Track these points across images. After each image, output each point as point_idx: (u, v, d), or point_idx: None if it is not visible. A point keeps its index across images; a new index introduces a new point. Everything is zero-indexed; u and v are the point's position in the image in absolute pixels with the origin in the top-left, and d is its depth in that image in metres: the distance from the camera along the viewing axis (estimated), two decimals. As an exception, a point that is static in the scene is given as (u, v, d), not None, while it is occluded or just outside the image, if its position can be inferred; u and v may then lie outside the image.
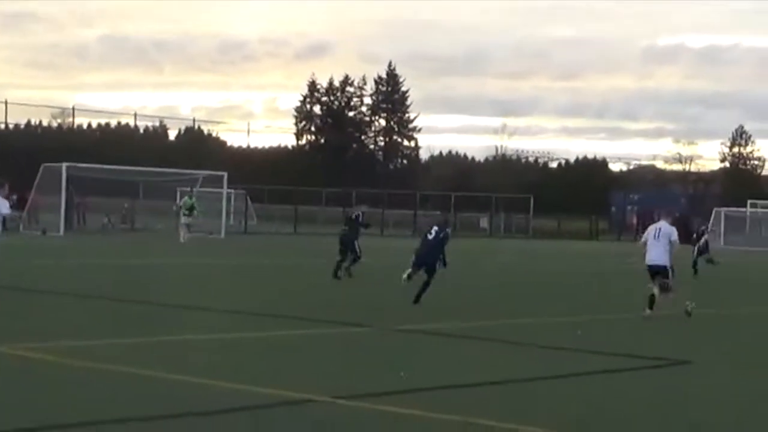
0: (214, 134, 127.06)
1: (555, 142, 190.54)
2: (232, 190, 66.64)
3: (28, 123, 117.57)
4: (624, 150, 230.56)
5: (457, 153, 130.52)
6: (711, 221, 38.32)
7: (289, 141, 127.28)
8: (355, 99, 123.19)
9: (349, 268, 29.43)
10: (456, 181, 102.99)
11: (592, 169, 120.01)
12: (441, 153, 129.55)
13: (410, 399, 11.77)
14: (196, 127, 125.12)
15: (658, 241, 21.18)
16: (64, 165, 52.04)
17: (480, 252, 49.62)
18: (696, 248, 37.95)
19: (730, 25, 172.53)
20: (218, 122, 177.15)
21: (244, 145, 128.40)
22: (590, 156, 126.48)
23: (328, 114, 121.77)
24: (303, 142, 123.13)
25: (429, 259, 22.45)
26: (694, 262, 36.94)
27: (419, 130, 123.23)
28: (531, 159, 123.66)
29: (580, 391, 13.10)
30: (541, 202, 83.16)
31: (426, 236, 22.99)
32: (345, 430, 10.28)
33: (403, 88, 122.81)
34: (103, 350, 14.64)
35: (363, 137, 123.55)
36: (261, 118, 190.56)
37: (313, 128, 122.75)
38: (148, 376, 12.59)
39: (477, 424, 10.55)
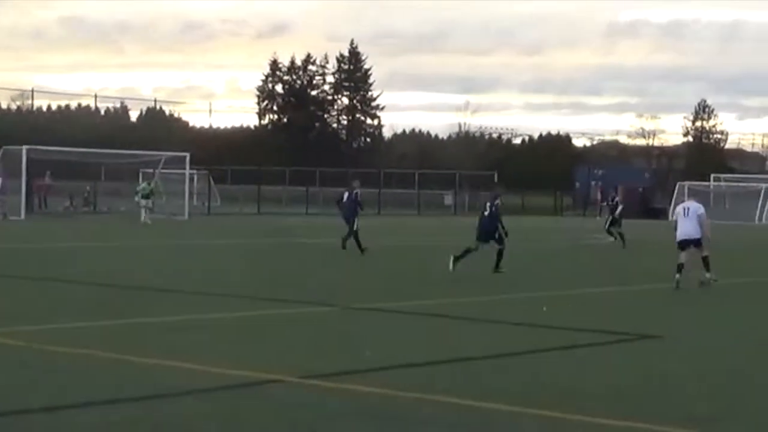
0: (175, 115, 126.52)
1: (519, 118, 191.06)
2: (195, 171, 66.34)
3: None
4: (588, 125, 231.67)
5: (420, 131, 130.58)
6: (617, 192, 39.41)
7: (251, 121, 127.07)
8: (317, 78, 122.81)
9: (345, 241, 30.85)
10: (420, 158, 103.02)
11: (556, 145, 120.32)
12: (404, 131, 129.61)
13: (375, 377, 11.67)
14: (158, 107, 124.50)
15: (689, 218, 23.17)
16: (25, 148, 51.54)
17: (443, 229, 49.57)
18: (610, 218, 39.34)
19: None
20: (180, 102, 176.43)
21: (207, 126, 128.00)
22: (554, 132, 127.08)
23: (291, 93, 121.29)
24: (265, 121, 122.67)
25: (491, 229, 24.89)
26: (609, 232, 38.73)
27: (382, 108, 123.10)
28: (495, 135, 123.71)
29: (546, 366, 13.01)
30: (505, 179, 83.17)
31: (482, 213, 25.32)
32: (310, 409, 10.14)
33: (366, 66, 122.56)
34: (65, 334, 14.44)
35: (326, 116, 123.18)
36: (223, 98, 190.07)
37: (275, 107, 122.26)
38: (111, 358, 12.43)
39: (442, 402, 10.44)
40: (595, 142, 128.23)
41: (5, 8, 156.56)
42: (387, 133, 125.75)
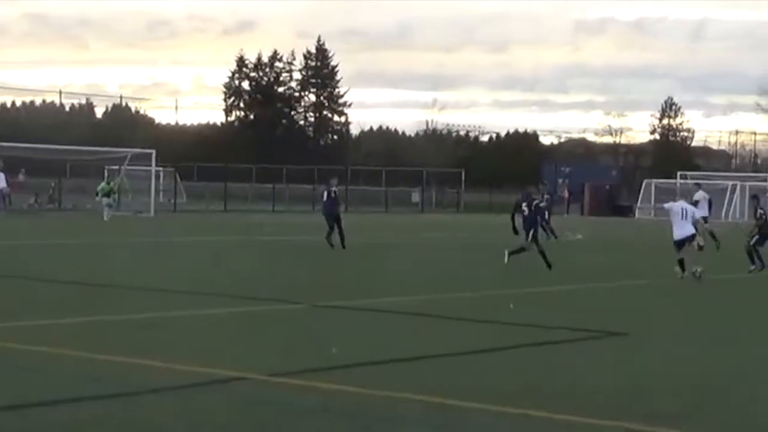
0: (141, 111, 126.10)
1: (486, 115, 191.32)
2: (161, 168, 66.11)
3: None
4: (555, 123, 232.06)
5: (387, 128, 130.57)
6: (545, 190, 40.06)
7: (217, 118, 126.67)
8: (284, 74, 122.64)
9: (330, 238, 30.72)
10: (387, 156, 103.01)
11: (523, 143, 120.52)
12: (372, 128, 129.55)
13: (342, 375, 11.65)
14: (124, 104, 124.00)
15: (686, 219, 24.59)
16: (-11, 144, 51.12)
17: (411, 227, 49.60)
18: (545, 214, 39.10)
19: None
20: (145, 99, 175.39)
21: (173, 122, 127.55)
22: (521, 129, 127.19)
23: (257, 90, 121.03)
24: (232, 118, 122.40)
25: (532, 229, 25.86)
26: (542, 228, 38.31)
27: (349, 105, 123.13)
28: (462, 133, 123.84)
29: (514, 364, 13.02)
30: (473, 176, 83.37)
31: (522, 213, 26.13)
32: (277, 407, 10.11)
33: (333, 63, 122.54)
34: (29, 332, 14.32)
35: (293, 113, 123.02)
36: (189, 95, 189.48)
37: (242, 104, 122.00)
38: (77, 357, 12.36)
39: (409, 399, 10.42)
40: (562, 140, 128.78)
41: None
42: (354, 130, 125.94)
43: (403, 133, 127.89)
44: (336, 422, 9.69)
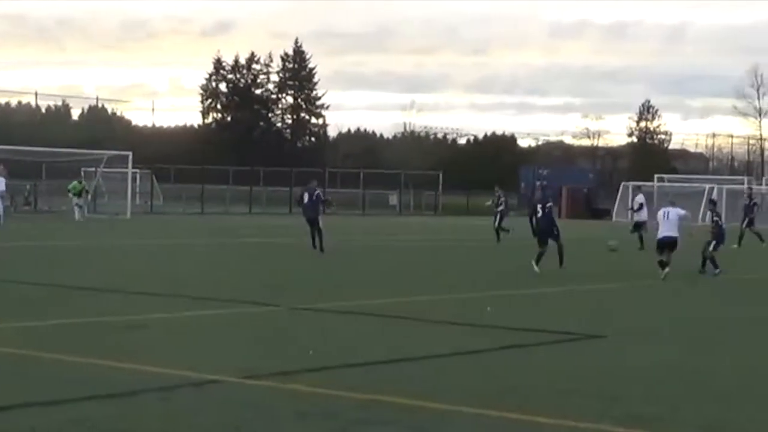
0: (118, 113, 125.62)
1: (464, 118, 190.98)
2: (138, 170, 65.87)
3: None
4: (533, 125, 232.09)
5: (365, 130, 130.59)
6: (498, 193, 40.90)
7: (194, 119, 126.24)
8: (261, 76, 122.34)
9: (320, 245, 30.95)
10: (365, 158, 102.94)
11: (500, 145, 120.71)
12: (349, 130, 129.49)
13: (319, 377, 11.60)
14: (100, 106, 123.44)
15: (669, 221, 25.82)
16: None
17: (388, 229, 49.57)
18: (498, 215, 40.57)
19: (635, 0, 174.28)
20: (122, 101, 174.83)
21: (150, 124, 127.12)
22: (499, 132, 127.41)
23: (235, 92, 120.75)
24: (209, 120, 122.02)
25: (549, 231, 26.36)
26: (496, 230, 39.93)
27: (327, 108, 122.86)
28: (440, 135, 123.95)
29: (491, 366, 12.99)
30: (450, 179, 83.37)
31: (537, 215, 26.83)
32: (254, 409, 10.05)
33: (311, 65, 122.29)
34: (5, 333, 14.24)
35: (270, 115, 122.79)
36: (166, 97, 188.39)
37: (219, 106, 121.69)
38: (52, 359, 12.30)
39: (386, 402, 10.36)
40: (540, 143, 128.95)
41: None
42: (332, 132, 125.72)
43: (381, 135, 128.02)
44: (312, 425, 9.63)
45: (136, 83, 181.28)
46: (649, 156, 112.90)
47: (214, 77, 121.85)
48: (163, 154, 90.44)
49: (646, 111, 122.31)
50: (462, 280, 24.19)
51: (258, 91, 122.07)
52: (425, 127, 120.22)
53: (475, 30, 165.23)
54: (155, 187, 70.45)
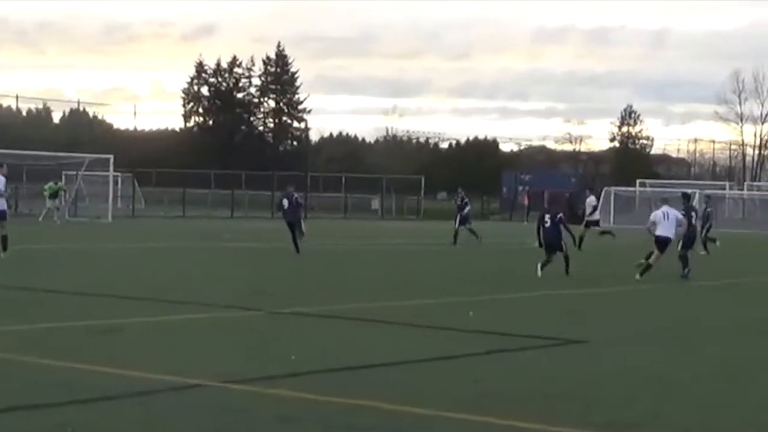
0: (99, 117, 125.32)
1: (446, 122, 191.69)
2: (119, 174, 65.72)
3: None
4: (515, 130, 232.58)
5: (347, 134, 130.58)
6: (461, 193, 41.43)
7: (176, 123, 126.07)
8: (243, 80, 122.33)
9: (297, 245, 31.61)
10: (347, 162, 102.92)
11: (483, 150, 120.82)
12: (331, 134, 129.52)
13: (301, 382, 11.57)
14: (81, 109, 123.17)
15: (669, 221, 26.66)
16: (-56, 149, 50.69)
17: (370, 233, 49.55)
18: (458, 217, 40.95)
19: (618, 6, 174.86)
20: (103, 104, 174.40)
21: (131, 128, 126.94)
22: (481, 136, 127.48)
23: (216, 95, 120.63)
24: (191, 124, 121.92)
25: (555, 242, 26.55)
26: (456, 231, 40.33)
27: (309, 112, 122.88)
28: (422, 140, 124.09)
29: (473, 371, 12.96)
30: (433, 183, 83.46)
31: (543, 225, 26.87)
32: (236, 414, 10.01)
33: (293, 69, 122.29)
34: (-19, 338, 14.12)
35: (252, 119, 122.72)
36: (147, 100, 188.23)
37: (201, 110, 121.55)
38: (31, 363, 12.23)
39: (369, 407, 10.34)
40: (522, 147, 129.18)
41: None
42: (314, 136, 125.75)
43: (363, 139, 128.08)
44: (294, 429, 9.61)
45: (117, 86, 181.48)
46: (631, 161, 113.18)
47: (196, 81, 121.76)
48: (145, 157, 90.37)
49: (628, 116, 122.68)
50: (444, 285, 24.17)
51: (240, 95, 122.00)
52: (407, 132, 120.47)
53: (457, 35, 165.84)
54: (137, 190, 70.28)
